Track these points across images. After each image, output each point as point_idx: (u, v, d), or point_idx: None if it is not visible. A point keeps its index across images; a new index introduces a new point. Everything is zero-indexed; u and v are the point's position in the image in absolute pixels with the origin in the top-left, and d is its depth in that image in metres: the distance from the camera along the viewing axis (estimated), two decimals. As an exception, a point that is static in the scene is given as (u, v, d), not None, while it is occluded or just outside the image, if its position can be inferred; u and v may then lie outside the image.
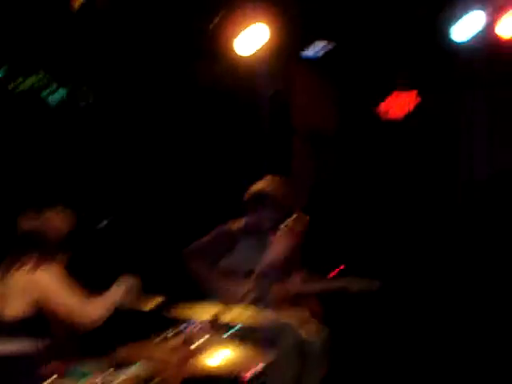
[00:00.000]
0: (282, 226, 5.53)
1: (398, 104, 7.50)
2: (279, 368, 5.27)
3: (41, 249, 4.17)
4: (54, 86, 7.31)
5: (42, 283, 4.04)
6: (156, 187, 7.18)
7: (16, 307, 4.04)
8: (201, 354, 3.55)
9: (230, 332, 4.12)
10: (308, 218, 5.69)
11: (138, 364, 4.08)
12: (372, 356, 6.80)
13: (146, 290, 4.89)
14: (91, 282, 4.93)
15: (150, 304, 4.79)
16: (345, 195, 7.39)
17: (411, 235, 7.27)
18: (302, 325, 5.62)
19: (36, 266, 4.09)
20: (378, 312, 6.93)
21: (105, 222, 4.88)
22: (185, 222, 6.94)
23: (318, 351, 5.53)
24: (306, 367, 5.50)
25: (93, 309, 4.07)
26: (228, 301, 5.37)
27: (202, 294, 5.60)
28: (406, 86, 7.71)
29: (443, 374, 6.49)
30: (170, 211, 7.12)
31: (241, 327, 4.23)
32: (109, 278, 4.52)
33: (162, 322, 4.19)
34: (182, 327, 3.96)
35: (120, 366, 4.21)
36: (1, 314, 4.07)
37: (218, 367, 3.52)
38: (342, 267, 6.22)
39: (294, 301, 5.98)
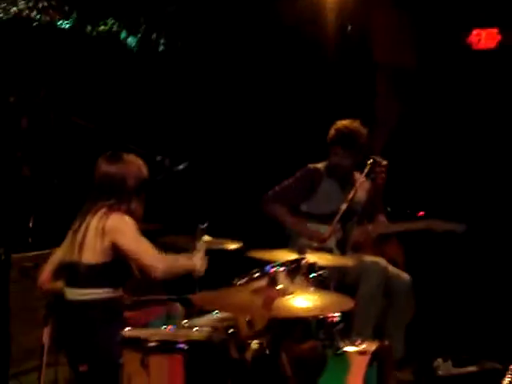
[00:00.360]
0: (365, 168, 5.36)
1: (481, 39, 7.19)
2: (364, 306, 5.20)
3: (118, 194, 4.09)
4: (124, 33, 7.23)
5: (115, 228, 3.97)
6: (234, 130, 7.07)
7: (92, 254, 3.98)
8: (286, 295, 3.39)
9: (315, 274, 3.96)
10: (387, 161, 5.51)
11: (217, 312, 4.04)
12: (455, 303, 6.62)
13: (225, 235, 4.83)
14: (167, 228, 4.87)
15: (231, 247, 4.71)
16: (428, 136, 7.15)
17: (498, 179, 7.01)
18: (388, 264, 5.53)
19: (110, 212, 4.01)
20: (462, 258, 6.73)
21: (181, 166, 4.76)
22: (264, 166, 6.82)
23: (406, 290, 5.41)
24: (393, 306, 5.43)
25: (158, 261, 3.98)
26: (310, 243, 5.31)
27: (282, 241, 5.54)
28: (487, 23, 7.39)
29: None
30: (248, 154, 7.01)
31: (326, 268, 4.07)
32: (186, 222, 4.42)
33: (244, 265, 4.06)
34: (265, 269, 3.82)
35: (200, 313, 4.15)
36: (79, 260, 4.00)
37: (303, 309, 3.37)
38: (421, 213, 6.07)
39: (376, 245, 5.88)
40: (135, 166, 4.18)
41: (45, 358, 3.60)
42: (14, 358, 5.31)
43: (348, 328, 3.92)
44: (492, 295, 6.50)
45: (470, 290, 6.63)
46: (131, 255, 3.97)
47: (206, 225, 4.47)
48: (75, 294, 3.99)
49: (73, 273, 4.04)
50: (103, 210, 4.03)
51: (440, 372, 5.01)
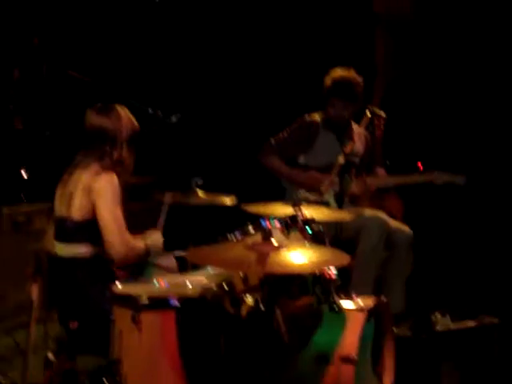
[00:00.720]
0: (364, 120, 5.26)
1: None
2: (364, 262, 5.14)
3: (108, 147, 3.98)
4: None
5: (99, 191, 3.86)
6: (229, 80, 6.95)
7: (79, 210, 3.89)
8: (281, 251, 3.30)
9: (311, 228, 3.87)
10: (386, 114, 5.41)
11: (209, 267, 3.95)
12: (454, 257, 6.56)
13: (219, 189, 4.74)
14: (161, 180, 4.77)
15: (225, 201, 4.62)
16: (428, 87, 7.03)
17: (498, 130, 6.90)
18: (392, 225, 5.46)
19: (101, 169, 3.91)
20: (461, 210, 6.65)
21: (174, 119, 4.65)
22: (260, 118, 6.70)
23: (407, 243, 5.37)
24: (394, 259, 5.37)
25: (123, 242, 3.88)
26: (307, 196, 5.23)
27: (278, 195, 5.46)
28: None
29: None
30: (243, 105, 6.89)
31: (322, 223, 3.98)
32: (179, 176, 4.33)
33: (238, 219, 3.97)
34: (260, 223, 3.73)
35: (194, 267, 4.07)
36: (68, 215, 3.91)
37: (299, 265, 3.28)
38: (419, 165, 6.00)
39: (374, 198, 5.81)
40: (126, 117, 4.06)
41: (34, 315, 3.53)
42: (4, 313, 5.27)
43: (346, 284, 3.83)
44: (491, 249, 6.44)
45: (470, 243, 6.56)
46: (100, 221, 3.86)
47: (200, 180, 4.38)
48: (64, 249, 3.91)
49: (62, 227, 3.96)
50: (95, 168, 3.93)
51: (438, 327, 4.95)
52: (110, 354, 3.48)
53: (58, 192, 4.01)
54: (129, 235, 3.93)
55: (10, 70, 6.10)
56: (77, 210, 3.88)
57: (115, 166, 3.97)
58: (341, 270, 3.76)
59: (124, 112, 4.07)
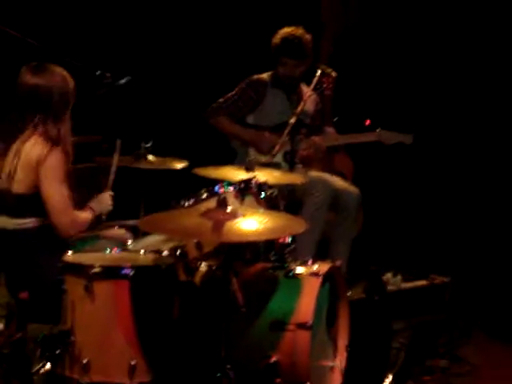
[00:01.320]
0: (313, 79, 5.19)
1: None
2: (310, 223, 5.12)
3: (44, 110, 3.75)
4: None
5: (44, 170, 3.67)
6: (176, 39, 6.81)
7: (22, 184, 3.71)
8: (235, 218, 3.26)
9: (265, 193, 3.82)
10: (335, 73, 5.36)
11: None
12: (403, 216, 6.60)
13: (169, 153, 4.66)
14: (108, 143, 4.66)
15: (175, 165, 4.55)
16: (374, 44, 6.97)
17: (443, 88, 6.90)
18: (336, 178, 5.44)
19: (43, 142, 3.70)
20: (410, 171, 6.67)
21: (123, 81, 4.54)
22: (207, 79, 6.60)
23: (354, 203, 5.35)
24: (340, 220, 5.34)
25: (69, 221, 3.75)
26: (258, 158, 5.19)
27: (228, 157, 5.41)
28: None
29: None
30: (191, 66, 6.77)
31: (274, 187, 3.94)
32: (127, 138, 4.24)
33: (190, 185, 3.91)
34: (214, 189, 3.68)
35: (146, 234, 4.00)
36: (9, 189, 3.74)
37: (254, 232, 3.24)
38: (367, 122, 5.99)
39: (325, 158, 5.79)
40: (61, 77, 3.82)
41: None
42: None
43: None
44: (440, 208, 6.48)
45: (418, 202, 6.59)
46: (45, 201, 3.71)
47: (150, 144, 4.28)
48: (6, 222, 3.76)
49: (3, 201, 3.78)
50: (36, 141, 3.72)
51: (389, 287, 4.97)
52: (62, 323, 3.43)
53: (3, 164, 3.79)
54: (75, 213, 3.79)
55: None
56: (20, 185, 3.71)
57: (53, 136, 3.74)
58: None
59: (59, 71, 3.84)
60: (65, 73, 3.86)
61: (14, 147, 3.74)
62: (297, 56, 5.32)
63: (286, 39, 5.33)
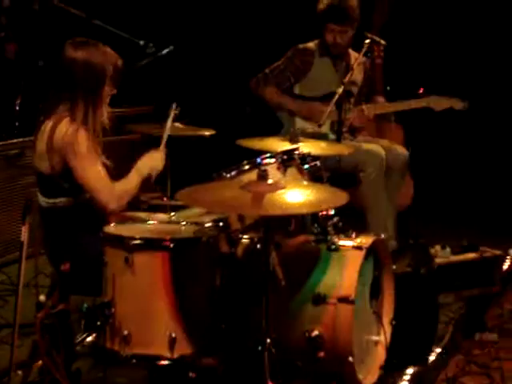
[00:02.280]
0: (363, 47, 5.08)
1: None
2: (373, 199, 5.09)
3: (77, 87, 3.62)
4: None
5: (66, 147, 3.56)
6: (221, 11, 6.76)
7: (48, 164, 3.62)
8: (277, 190, 3.20)
9: (309, 165, 3.76)
10: (384, 41, 5.24)
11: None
12: (454, 186, 6.50)
13: (209, 123, 4.61)
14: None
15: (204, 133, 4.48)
16: (430, 12, 6.85)
17: (500, 58, 6.74)
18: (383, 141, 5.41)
19: (69, 119, 3.59)
20: (464, 138, 6.55)
21: (166, 51, 4.50)
22: (252, 49, 6.54)
23: (400, 163, 5.33)
24: (388, 182, 5.28)
25: (111, 197, 3.63)
26: (304, 128, 5.13)
27: (274, 129, 5.35)
28: None
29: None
30: (236, 36, 6.71)
31: (321, 158, 3.88)
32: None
33: (232, 156, 3.85)
34: (255, 161, 3.63)
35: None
36: (38, 168, 3.69)
37: (296, 205, 3.19)
38: (421, 90, 5.87)
39: (373, 126, 5.71)
40: (101, 53, 3.68)
41: (23, 258, 3.44)
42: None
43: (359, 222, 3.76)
44: (492, 178, 6.36)
45: (470, 171, 6.48)
46: (83, 184, 3.63)
47: (177, 110, 4.18)
48: (44, 201, 3.73)
49: (40, 180, 3.75)
50: (63, 116, 3.62)
51: (438, 259, 4.88)
52: (103, 295, 3.42)
53: (35, 143, 3.73)
54: (117, 187, 3.67)
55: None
56: (47, 165, 3.63)
57: (80, 116, 3.63)
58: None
59: (102, 47, 3.71)
60: (107, 50, 3.74)
61: (44, 127, 3.66)
62: (343, 21, 5.21)
63: (331, 4, 5.22)
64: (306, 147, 3.92)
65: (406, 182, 5.53)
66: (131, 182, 3.74)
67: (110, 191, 3.65)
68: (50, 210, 3.71)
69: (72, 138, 3.56)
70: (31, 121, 5.57)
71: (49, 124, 3.64)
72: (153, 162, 3.80)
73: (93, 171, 3.61)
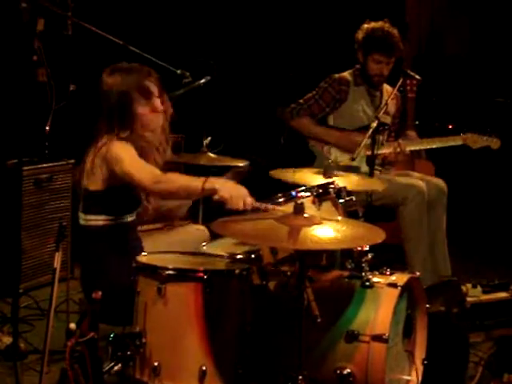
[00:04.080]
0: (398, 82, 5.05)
1: None
2: (415, 233, 5.06)
3: (113, 114, 3.71)
4: None
5: (113, 156, 3.62)
6: (257, 41, 6.77)
7: (93, 181, 3.69)
8: (312, 225, 3.17)
9: (346, 199, 3.73)
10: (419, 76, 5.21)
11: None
12: (488, 223, 6.44)
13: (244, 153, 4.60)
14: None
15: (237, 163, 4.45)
16: (461, 42, 6.83)
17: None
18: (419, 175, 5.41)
19: (112, 139, 3.68)
20: (496, 174, 6.50)
21: (203, 80, 4.50)
22: (287, 80, 6.54)
23: (443, 198, 5.32)
24: (432, 218, 5.27)
25: (148, 174, 3.58)
26: (337, 161, 5.09)
27: (306, 160, 5.33)
28: None
29: None
30: (271, 66, 6.72)
31: (357, 193, 3.84)
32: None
33: (266, 188, 3.82)
34: (291, 194, 3.59)
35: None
36: (84, 186, 3.75)
37: (331, 241, 3.15)
38: (451, 127, 5.86)
39: (407, 161, 5.68)
40: (149, 81, 3.78)
41: (55, 284, 3.43)
42: (25, 272, 5.21)
43: (378, 257, 3.70)
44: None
45: (503, 208, 6.42)
46: (126, 177, 3.62)
47: (208, 140, 4.18)
48: (82, 218, 3.78)
49: (81, 198, 3.81)
50: (109, 137, 3.70)
51: (469, 298, 4.82)
52: (134, 325, 3.39)
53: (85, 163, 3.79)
54: (156, 170, 3.64)
55: (33, 20, 5.94)
56: (91, 181, 3.71)
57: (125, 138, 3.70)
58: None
59: (137, 67, 3.79)
60: (143, 67, 3.81)
61: (92, 148, 3.75)
62: (390, 52, 5.21)
63: (379, 34, 5.20)
64: (340, 181, 3.88)
65: None
66: (187, 179, 3.61)
67: (149, 169, 3.62)
68: (89, 229, 3.74)
69: (111, 146, 3.64)
70: (61, 145, 5.63)
71: (96, 145, 3.71)
72: (233, 190, 3.52)
73: (132, 161, 3.61)
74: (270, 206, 3.51)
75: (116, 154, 3.63)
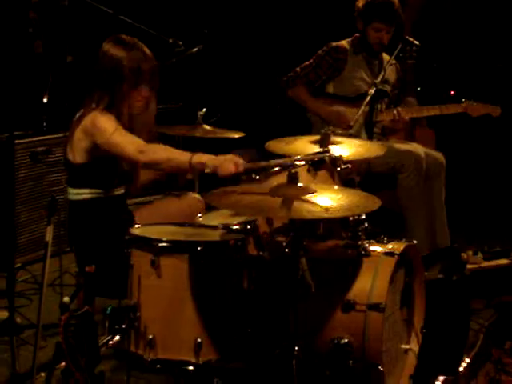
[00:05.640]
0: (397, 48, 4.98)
1: None
2: (412, 201, 5.01)
3: (108, 84, 3.69)
4: None
5: (94, 127, 3.61)
6: (250, 8, 6.70)
7: (78, 153, 3.68)
8: (307, 194, 3.13)
9: (342, 167, 3.67)
10: (418, 42, 5.15)
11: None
12: (488, 192, 6.39)
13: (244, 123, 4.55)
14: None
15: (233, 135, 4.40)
16: (459, 13, 6.76)
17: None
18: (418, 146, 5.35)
19: (95, 109, 3.65)
20: (497, 142, 6.44)
21: (195, 49, 4.44)
22: (282, 47, 6.47)
23: (440, 169, 5.25)
24: (430, 189, 5.22)
25: (138, 148, 3.56)
26: (335, 129, 5.03)
27: (304, 128, 5.27)
28: None
29: None
30: (265, 34, 6.64)
31: (352, 160, 3.78)
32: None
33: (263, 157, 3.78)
34: (285, 163, 3.55)
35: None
36: (69, 159, 3.73)
37: (328, 211, 3.10)
38: (452, 92, 5.79)
39: (406, 129, 5.62)
40: (139, 52, 3.73)
41: (48, 257, 3.41)
42: (22, 246, 5.19)
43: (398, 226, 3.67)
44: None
45: (505, 177, 6.37)
46: (112, 148, 3.61)
47: (203, 111, 4.14)
48: (70, 193, 3.76)
49: (67, 171, 3.82)
50: (91, 106, 3.68)
51: (469, 265, 4.78)
52: (128, 298, 3.36)
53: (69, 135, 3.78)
54: (141, 141, 3.62)
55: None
56: (77, 155, 3.68)
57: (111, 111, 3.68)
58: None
59: (144, 49, 3.76)
60: (145, 50, 3.76)
61: (75, 118, 3.72)
62: (392, 20, 5.13)
63: (379, 3, 5.13)
64: (337, 149, 3.82)
65: None
66: (174, 152, 3.62)
67: (134, 140, 3.61)
68: (78, 203, 3.72)
69: (94, 118, 3.62)
70: (59, 117, 5.58)
71: (78, 115, 3.70)
72: (221, 158, 3.52)
73: (112, 129, 3.59)
74: (262, 163, 3.49)
75: (100, 124, 3.61)
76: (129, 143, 3.58)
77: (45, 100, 5.72)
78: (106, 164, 3.68)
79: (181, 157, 3.55)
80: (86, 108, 3.70)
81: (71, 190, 3.75)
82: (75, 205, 3.75)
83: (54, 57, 5.96)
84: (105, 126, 3.60)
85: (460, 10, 6.85)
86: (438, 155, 5.30)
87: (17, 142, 5.14)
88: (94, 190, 3.70)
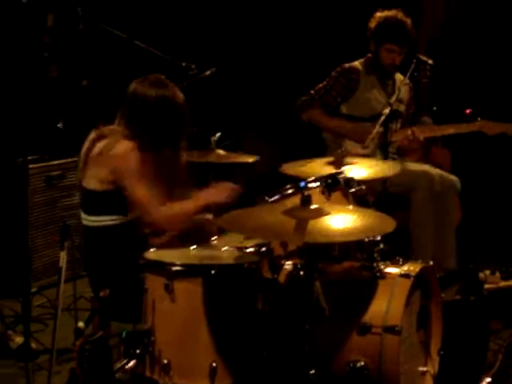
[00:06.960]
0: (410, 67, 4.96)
1: None
2: (420, 220, 4.96)
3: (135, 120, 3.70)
4: None
5: (118, 158, 3.59)
6: (263, 31, 6.70)
7: (95, 181, 3.65)
8: (321, 216, 3.11)
9: (355, 188, 3.65)
10: (432, 60, 5.12)
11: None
12: (504, 211, 6.35)
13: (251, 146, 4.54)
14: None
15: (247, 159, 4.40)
16: (478, 34, 6.72)
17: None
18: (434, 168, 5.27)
19: (119, 139, 3.64)
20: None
21: (208, 72, 4.45)
22: (295, 70, 6.47)
23: (453, 190, 5.17)
24: (440, 209, 5.13)
25: (158, 210, 3.61)
26: (350, 150, 5.02)
27: (317, 150, 5.26)
28: None
29: None
30: (278, 57, 6.65)
31: (366, 182, 3.76)
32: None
33: (273, 181, 3.76)
34: (299, 185, 3.53)
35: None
36: (84, 186, 3.70)
37: (341, 232, 3.08)
38: (468, 111, 5.76)
39: (421, 149, 5.59)
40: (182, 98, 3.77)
41: (62, 283, 3.40)
42: (37, 270, 5.19)
43: (393, 247, 3.63)
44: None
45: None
46: (128, 197, 3.62)
47: (217, 136, 4.15)
48: (86, 219, 3.73)
49: (82, 197, 3.78)
50: (115, 136, 3.66)
51: (487, 285, 4.73)
52: (143, 322, 3.34)
53: (85, 160, 3.74)
54: (169, 206, 3.67)
55: (43, 16, 5.91)
56: (93, 182, 3.65)
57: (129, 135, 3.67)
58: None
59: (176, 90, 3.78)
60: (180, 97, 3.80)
61: (98, 144, 3.68)
62: (403, 42, 5.12)
63: (392, 24, 5.12)
64: (350, 172, 3.80)
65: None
66: (185, 206, 3.71)
67: (156, 210, 3.62)
68: (95, 230, 3.70)
69: (126, 155, 3.59)
70: (73, 141, 5.59)
71: (103, 142, 3.65)
72: (213, 190, 3.76)
73: (140, 188, 3.59)
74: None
75: (131, 171, 3.59)
76: (149, 204, 3.62)
77: (60, 124, 5.74)
78: (121, 192, 3.66)
79: (187, 205, 3.70)
80: (115, 137, 3.66)
81: (87, 217, 3.71)
82: (92, 231, 3.71)
83: (68, 81, 5.97)
84: (133, 168, 3.60)
85: (475, 29, 6.83)
86: (453, 178, 5.24)
87: (31, 166, 5.16)
88: (114, 217, 3.66)
